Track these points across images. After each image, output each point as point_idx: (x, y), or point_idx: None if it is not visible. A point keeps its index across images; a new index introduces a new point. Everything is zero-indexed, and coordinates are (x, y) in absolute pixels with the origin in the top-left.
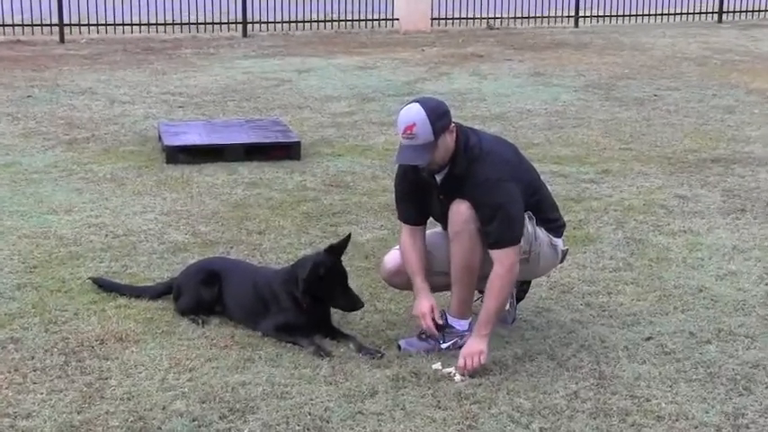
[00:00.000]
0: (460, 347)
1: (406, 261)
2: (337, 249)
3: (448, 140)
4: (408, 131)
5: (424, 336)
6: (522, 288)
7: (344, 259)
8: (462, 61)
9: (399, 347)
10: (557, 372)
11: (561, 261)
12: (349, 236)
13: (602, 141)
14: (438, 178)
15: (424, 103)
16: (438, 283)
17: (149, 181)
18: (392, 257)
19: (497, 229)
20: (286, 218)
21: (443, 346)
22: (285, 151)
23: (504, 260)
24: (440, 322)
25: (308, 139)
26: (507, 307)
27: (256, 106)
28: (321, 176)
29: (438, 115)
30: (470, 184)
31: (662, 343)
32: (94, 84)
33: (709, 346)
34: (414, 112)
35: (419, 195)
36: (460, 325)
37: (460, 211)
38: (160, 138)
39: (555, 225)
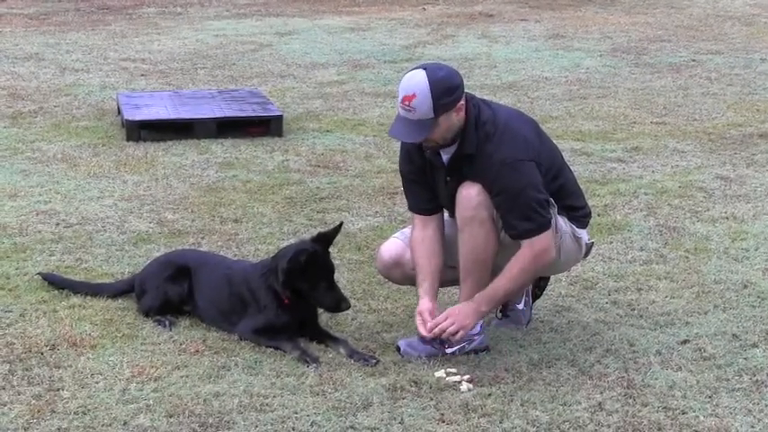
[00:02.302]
0: (468, 353)
1: (415, 262)
2: (325, 238)
3: (453, 119)
4: (406, 102)
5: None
6: (538, 285)
7: (333, 251)
8: (469, 21)
9: (398, 350)
10: (578, 380)
11: (585, 256)
12: (340, 225)
13: (632, 114)
14: (445, 158)
15: (433, 71)
16: (451, 277)
17: (107, 161)
18: (389, 246)
19: (521, 219)
20: (266, 204)
21: (449, 350)
22: (264, 127)
23: (534, 244)
24: (425, 331)
25: (291, 112)
26: (522, 306)
27: (231, 75)
28: (306, 156)
29: (444, 90)
30: (483, 166)
31: (700, 347)
32: (42, 48)
33: (754, 351)
34: (416, 81)
35: (429, 179)
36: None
37: (470, 195)
38: (119, 111)
39: (579, 214)
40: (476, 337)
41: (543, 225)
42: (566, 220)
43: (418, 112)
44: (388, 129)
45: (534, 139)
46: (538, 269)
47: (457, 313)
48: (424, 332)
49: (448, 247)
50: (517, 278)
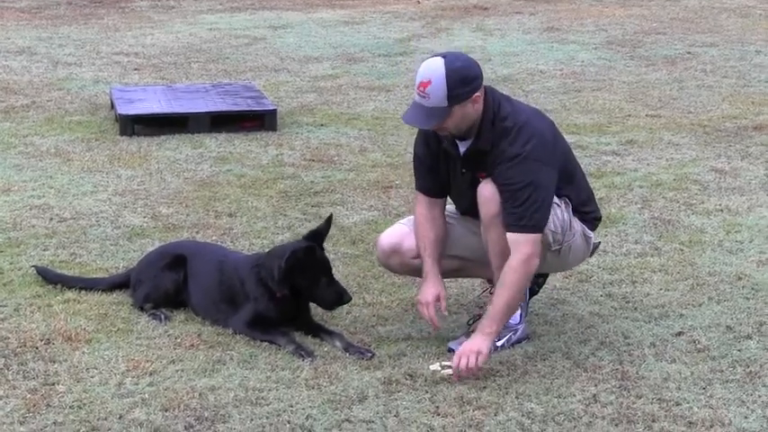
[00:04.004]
0: (516, 342)
1: (419, 236)
2: (319, 235)
3: (468, 110)
4: (421, 88)
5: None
6: (537, 282)
7: (328, 245)
8: (464, 14)
9: (451, 351)
10: (573, 372)
11: (591, 255)
12: (330, 218)
13: (627, 107)
14: (461, 149)
15: (451, 60)
16: (447, 266)
17: (101, 156)
18: (390, 234)
19: (521, 210)
20: (260, 198)
21: (498, 344)
22: (258, 121)
23: (521, 249)
24: (445, 313)
25: (286, 106)
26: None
27: (225, 69)
28: (300, 150)
29: (460, 80)
30: (497, 160)
31: (694, 339)
32: (34, 42)
33: (748, 342)
34: (434, 68)
35: (442, 166)
36: (512, 318)
37: (493, 193)
38: (113, 105)
39: (589, 217)
40: (518, 327)
41: (537, 226)
42: (577, 220)
43: (432, 99)
44: (403, 114)
45: (551, 141)
46: (528, 275)
47: (464, 348)
48: (429, 320)
49: (454, 236)
50: (511, 288)
